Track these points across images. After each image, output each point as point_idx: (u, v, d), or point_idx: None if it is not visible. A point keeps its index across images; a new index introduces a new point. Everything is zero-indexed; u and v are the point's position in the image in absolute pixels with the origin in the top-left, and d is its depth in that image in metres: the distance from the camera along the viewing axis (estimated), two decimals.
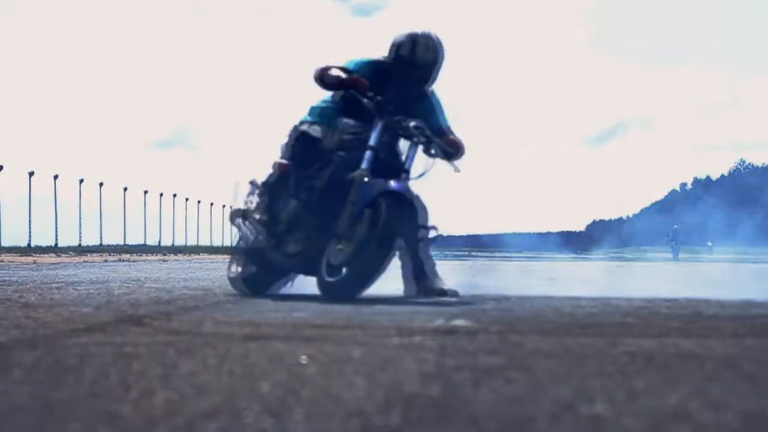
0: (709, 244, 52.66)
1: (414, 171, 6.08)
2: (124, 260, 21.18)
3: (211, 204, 54.58)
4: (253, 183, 6.48)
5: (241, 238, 6.51)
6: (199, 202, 52.58)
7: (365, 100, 6.01)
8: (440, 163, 6.14)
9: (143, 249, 36.01)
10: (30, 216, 34.40)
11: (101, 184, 41.71)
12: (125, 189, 44.70)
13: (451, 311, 4.84)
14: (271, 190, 6.30)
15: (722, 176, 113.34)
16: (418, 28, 6.32)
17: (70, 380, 2.39)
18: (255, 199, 6.39)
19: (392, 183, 5.85)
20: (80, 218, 39.41)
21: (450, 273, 7.23)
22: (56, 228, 36.48)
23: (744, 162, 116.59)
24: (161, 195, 48.03)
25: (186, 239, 48.70)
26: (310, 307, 5.03)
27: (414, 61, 6.21)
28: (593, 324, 4.10)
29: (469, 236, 70.73)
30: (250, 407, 2.03)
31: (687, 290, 7.75)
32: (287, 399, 2.13)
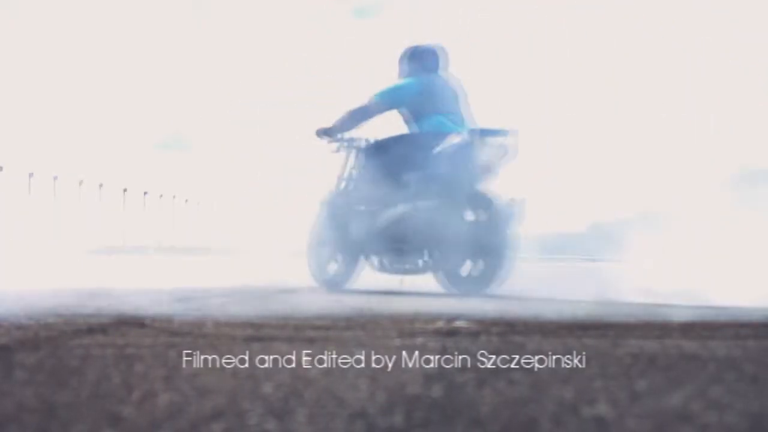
0: None
1: None
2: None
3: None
4: None
5: None
6: (198, 203, 52.60)
7: None
8: None
9: (143, 250, 35.95)
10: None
11: (101, 185, 41.73)
12: (125, 190, 44.71)
13: (452, 312, 4.83)
14: None
15: None
16: None
17: (74, 382, 2.39)
18: None
19: None
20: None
21: None
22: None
23: None
24: (161, 196, 48.06)
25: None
26: (311, 308, 5.03)
27: None
28: (595, 325, 4.09)
29: None
30: (254, 409, 2.03)
31: None
32: (290, 401, 2.13)
